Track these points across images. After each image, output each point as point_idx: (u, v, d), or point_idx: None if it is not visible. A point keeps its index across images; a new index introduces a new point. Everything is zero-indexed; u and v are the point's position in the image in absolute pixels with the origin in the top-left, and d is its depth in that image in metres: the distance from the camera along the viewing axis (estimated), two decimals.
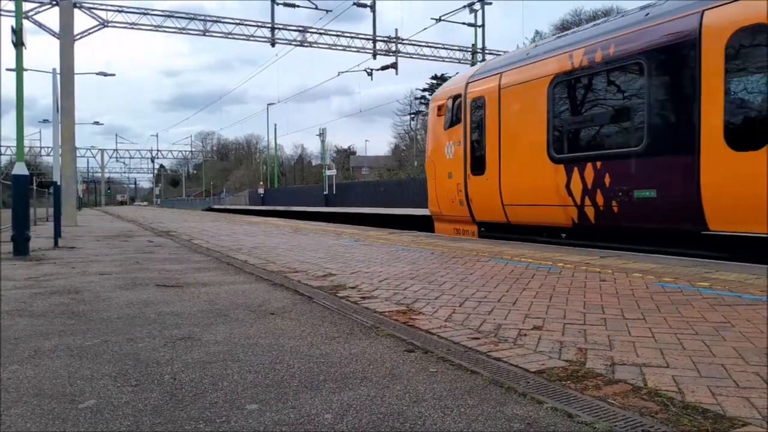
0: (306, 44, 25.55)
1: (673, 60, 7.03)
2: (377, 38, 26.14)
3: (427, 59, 27.85)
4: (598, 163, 7.96)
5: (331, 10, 24.80)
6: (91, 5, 21.02)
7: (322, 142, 54.93)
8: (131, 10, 22.33)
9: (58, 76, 12.89)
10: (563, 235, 8.92)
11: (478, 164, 10.24)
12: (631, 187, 7.52)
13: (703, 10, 6.58)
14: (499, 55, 22.43)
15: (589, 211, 8.13)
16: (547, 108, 8.73)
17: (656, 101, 7.24)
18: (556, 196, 8.58)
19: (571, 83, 8.51)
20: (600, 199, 7.96)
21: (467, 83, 10.72)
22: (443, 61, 28.31)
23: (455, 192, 10.89)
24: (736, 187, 6.31)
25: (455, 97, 10.95)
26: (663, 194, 7.11)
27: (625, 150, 7.59)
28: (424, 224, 9.79)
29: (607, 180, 7.87)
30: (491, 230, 10.35)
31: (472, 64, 25.73)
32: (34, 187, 19.63)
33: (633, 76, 7.59)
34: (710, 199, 6.57)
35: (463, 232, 11.14)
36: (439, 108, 11.52)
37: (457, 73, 11.19)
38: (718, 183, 6.49)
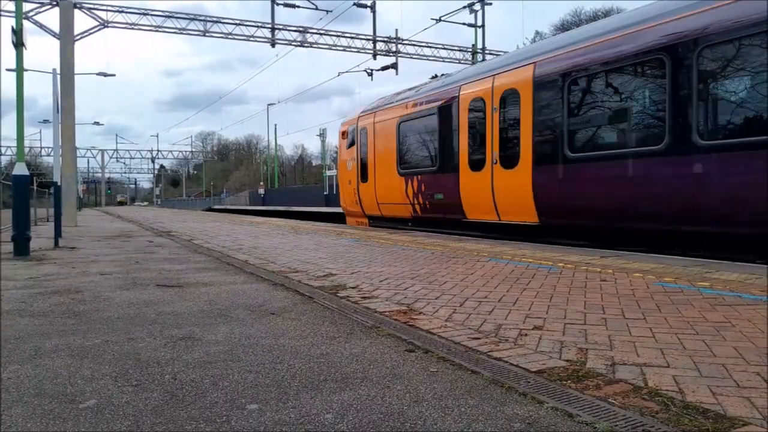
0: (306, 45, 25.55)
1: (446, 114, 11.45)
2: (377, 38, 26.13)
3: (427, 59, 27.84)
4: (418, 177, 12.41)
5: (331, 11, 24.80)
6: (92, 6, 21.02)
7: (323, 142, 54.99)
8: (131, 10, 22.34)
9: (59, 77, 12.90)
10: (409, 223, 13.13)
11: (364, 175, 14.55)
12: (433, 192, 11.95)
13: (460, 86, 11.17)
14: (499, 55, 23.09)
15: (417, 208, 12.53)
16: (396, 139, 13.18)
17: (442, 140, 11.60)
18: (403, 197, 12.93)
19: (407, 124, 12.96)
20: (420, 200, 12.39)
21: (358, 117, 15.11)
22: (443, 61, 28.30)
23: (353, 194, 15.21)
24: (474, 191, 10.60)
25: (351, 127, 15.32)
26: (444, 196, 11.52)
27: (429, 169, 12.08)
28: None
29: (423, 188, 12.26)
30: (375, 221, 14.64)
31: (473, 64, 25.75)
32: (35, 188, 19.64)
33: (432, 122, 11.96)
34: (465, 200, 10.90)
35: (359, 223, 15.44)
36: (343, 133, 15.87)
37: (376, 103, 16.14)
38: (467, 190, 10.85)
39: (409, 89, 13.90)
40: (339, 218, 19.24)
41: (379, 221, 14.34)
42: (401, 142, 13.05)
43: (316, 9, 24.39)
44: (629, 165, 7.71)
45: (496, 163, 10.04)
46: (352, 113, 16.24)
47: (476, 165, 10.52)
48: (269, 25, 24.53)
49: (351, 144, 15.31)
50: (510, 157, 9.73)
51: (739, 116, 6.69)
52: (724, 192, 6.65)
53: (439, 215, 11.83)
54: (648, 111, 7.68)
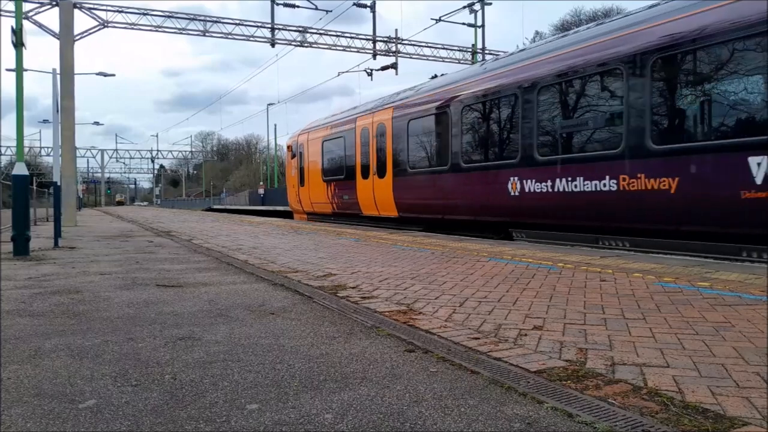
0: (306, 44, 25.54)
1: (348, 137, 15.52)
2: (377, 38, 26.12)
3: (427, 59, 27.82)
4: (334, 183, 16.50)
5: (331, 11, 24.78)
6: (92, 6, 21.01)
7: None
8: (131, 10, 22.32)
9: (58, 77, 12.89)
10: (332, 218, 17.20)
11: (302, 180, 18.84)
12: (342, 194, 15.89)
13: (356, 118, 15.33)
14: (499, 55, 23.29)
15: (335, 206, 16.62)
16: (321, 153, 17.41)
17: (346, 155, 15.60)
18: (326, 198, 17.10)
19: (327, 142, 17.11)
20: (336, 200, 16.46)
21: (298, 135, 19.56)
22: (443, 61, 28.27)
23: (296, 196, 19.66)
24: (365, 194, 14.51)
25: (294, 142, 19.86)
26: (349, 197, 15.50)
27: (339, 177, 16.11)
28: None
29: (337, 191, 16.30)
30: (310, 216, 18.95)
31: (472, 64, 25.75)
32: (34, 188, 19.62)
33: (341, 142, 16.05)
34: (360, 200, 14.85)
35: (301, 218, 19.89)
36: (288, 147, 20.68)
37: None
38: (360, 193, 14.84)
39: (334, 114, 18.42)
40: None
41: (313, 216, 18.91)
42: (324, 156, 17.39)
43: (316, 9, 24.39)
44: (432, 177, 12.17)
45: (375, 174, 14.19)
46: (296, 131, 20.69)
47: (365, 175, 14.75)
48: (269, 25, 24.52)
49: (293, 156, 19.79)
50: (382, 170, 13.92)
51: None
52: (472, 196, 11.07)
53: (348, 211, 16.06)
54: (438, 146, 12.08)
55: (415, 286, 4.79)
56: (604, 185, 8.01)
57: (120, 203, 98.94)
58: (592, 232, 8.66)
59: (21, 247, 7.88)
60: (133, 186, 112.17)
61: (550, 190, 8.89)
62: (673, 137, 7.30)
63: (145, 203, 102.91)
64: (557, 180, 8.78)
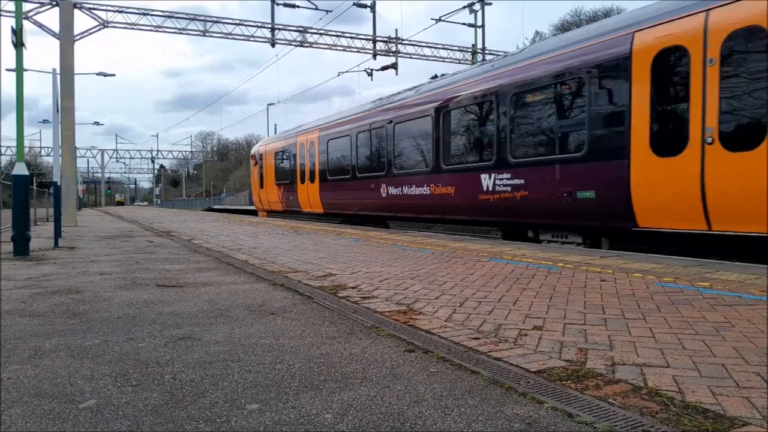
0: (306, 44, 25.54)
1: (292, 150, 19.83)
2: (377, 38, 26.12)
3: (428, 59, 27.81)
4: (284, 186, 20.68)
5: (331, 11, 24.78)
6: (92, 6, 21.00)
7: None
8: (131, 10, 22.31)
9: (58, 77, 12.89)
10: (282, 214, 21.82)
11: (262, 184, 23.23)
12: (289, 195, 20.06)
13: (297, 135, 19.81)
14: (499, 55, 23.50)
15: (283, 205, 20.82)
16: (274, 162, 21.64)
17: (290, 165, 19.84)
18: (278, 199, 21.32)
19: (278, 153, 21.33)
20: (284, 200, 20.69)
21: (260, 146, 24.37)
22: (443, 61, 28.26)
23: (257, 196, 24.22)
24: (303, 195, 18.85)
25: (255, 152, 24.63)
26: (292, 198, 19.67)
27: (287, 182, 20.30)
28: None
29: (286, 193, 20.47)
30: (269, 213, 23.39)
31: (472, 64, 25.75)
32: (34, 188, 19.61)
33: (287, 154, 20.30)
34: (299, 200, 19.17)
35: (262, 214, 24.30)
36: (252, 156, 25.42)
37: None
38: (300, 194, 19.18)
39: (286, 131, 22.85)
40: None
41: (270, 212, 23.54)
42: (276, 165, 21.88)
43: (316, 9, 24.38)
44: (342, 183, 16.21)
45: (309, 180, 18.59)
46: (258, 144, 26.11)
47: (302, 180, 19.13)
48: (269, 25, 24.52)
49: (255, 164, 24.47)
50: (312, 177, 18.36)
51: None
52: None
53: (292, 209, 20.53)
54: (345, 161, 16.20)
55: (415, 286, 4.79)
56: (424, 191, 12.50)
57: (119, 203, 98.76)
58: (426, 221, 13.34)
59: (21, 247, 7.88)
60: (133, 186, 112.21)
61: (401, 193, 13.44)
62: (451, 162, 11.69)
63: (145, 203, 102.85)
64: (403, 187, 13.33)
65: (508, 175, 9.94)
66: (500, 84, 10.31)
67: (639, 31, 7.74)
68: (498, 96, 10.23)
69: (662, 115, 7.48)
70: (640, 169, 7.64)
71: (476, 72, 11.47)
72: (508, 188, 9.92)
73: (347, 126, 16.13)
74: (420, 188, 12.53)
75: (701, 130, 6.90)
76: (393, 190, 13.63)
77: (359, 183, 15.23)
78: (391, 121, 13.90)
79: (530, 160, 9.51)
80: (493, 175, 10.27)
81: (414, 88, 14.02)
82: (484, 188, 10.44)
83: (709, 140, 6.80)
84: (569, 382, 2.36)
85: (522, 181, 9.64)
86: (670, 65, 7.35)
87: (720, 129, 6.73)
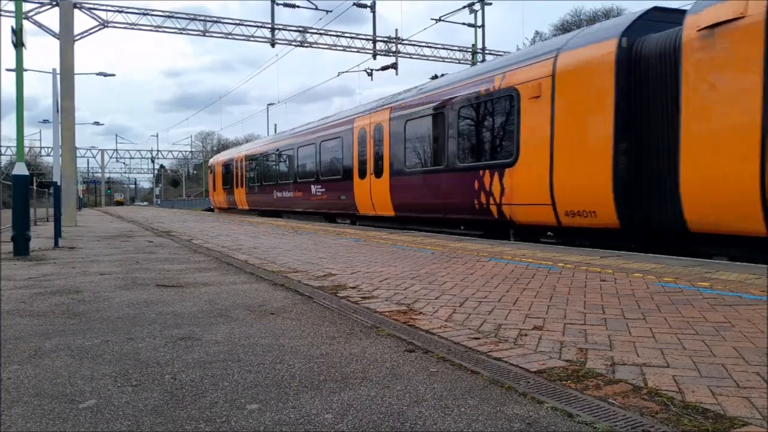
0: (306, 44, 25.54)
1: (229, 166, 28.91)
2: (377, 38, 26.13)
3: (428, 59, 27.84)
4: (226, 190, 29.47)
5: (331, 11, 24.79)
6: (92, 6, 21.01)
7: None
8: (131, 10, 22.32)
9: (58, 77, 12.89)
10: (227, 210, 30.15)
11: (214, 188, 32.07)
12: (230, 196, 28.92)
13: (233, 154, 29.93)
14: (500, 55, 23.63)
15: (228, 204, 29.35)
16: (222, 172, 30.30)
17: (231, 175, 28.57)
18: (224, 199, 30.08)
19: (224, 166, 29.81)
20: (228, 200, 29.40)
21: (213, 159, 34.60)
22: (443, 61, 28.28)
23: (212, 197, 33.23)
24: (240, 197, 27.47)
25: (210, 163, 34.44)
26: (232, 199, 28.49)
27: (229, 187, 28.79)
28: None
29: (228, 195, 29.24)
30: (220, 210, 31.24)
31: (473, 64, 25.74)
32: (34, 188, 19.61)
33: (231, 168, 28.46)
34: (236, 200, 27.78)
35: (216, 211, 32.40)
36: (208, 166, 35.18)
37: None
38: (237, 196, 28.10)
39: (233, 148, 32.40)
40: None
41: (221, 209, 31.56)
42: (222, 174, 29.98)
43: (316, 9, 24.38)
44: (263, 187, 23.79)
45: (241, 186, 26.38)
46: (212, 158, 36.31)
47: (237, 186, 26.77)
48: (269, 25, 24.53)
49: (210, 172, 33.47)
50: (240, 184, 26.32)
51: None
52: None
53: (232, 207, 28.33)
54: (268, 172, 23.82)
55: (415, 286, 4.79)
56: (290, 194, 20.52)
57: (119, 203, 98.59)
58: (290, 213, 21.43)
59: (21, 247, 7.88)
60: (133, 186, 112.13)
61: (283, 196, 21.27)
62: (299, 178, 19.49)
63: (145, 203, 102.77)
64: (284, 192, 21.17)
65: (320, 186, 18.06)
66: (290, 143, 20.91)
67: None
68: (296, 149, 20.17)
69: (365, 160, 14.99)
70: (357, 184, 15.41)
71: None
72: (321, 193, 18.02)
73: (257, 150, 25.00)
74: (289, 192, 20.78)
75: (372, 169, 14.54)
76: (278, 194, 21.91)
77: (264, 188, 23.76)
78: (277, 149, 22.38)
79: (329, 178, 17.44)
80: (315, 186, 18.40)
81: (291, 130, 22.68)
82: (313, 193, 18.59)
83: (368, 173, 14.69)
84: (569, 382, 2.36)
85: (325, 189, 17.75)
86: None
87: (371, 169, 14.57)
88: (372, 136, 14.47)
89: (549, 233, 9.75)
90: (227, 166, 29.10)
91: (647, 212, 7.93)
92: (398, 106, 13.42)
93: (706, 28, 6.82)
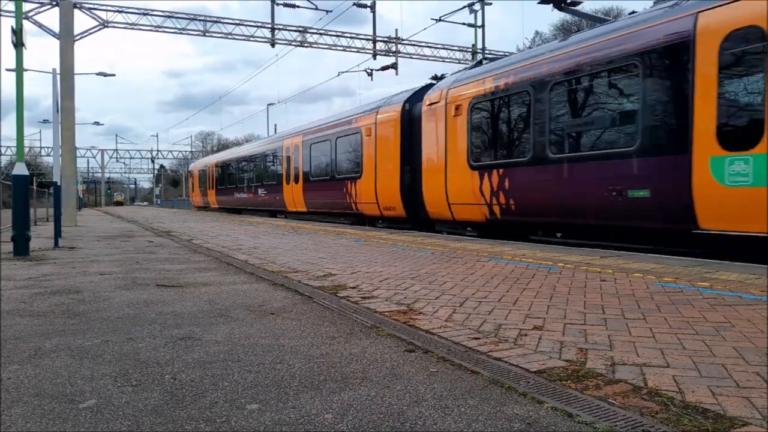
0: (306, 44, 25.53)
1: (206, 171, 35.78)
2: (377, 38, 26.12)
3: (428, 59, 27.81)
4: (201, 191, 36.50)
5: (331, 11, 24.79)
6: (92, 6, 21.00)
7: None
8: (131, 10, 22.31)
9: (58, 77, 12.89)
10: (204, 208, 36.22)
11: (193, 189, 39.98)
12: (205, 197, 35.58)
13: (206, 163, 37.15)
14: (499, 56, 23.74)
15: (204, 203, 35.81)
16: (198, 177, 37.35)
17: (206, 180, 35.20)
18: (200, 198, 36.73)
19: (201, 172, 36.46)
20: (204, 200, 35.69)
21: (191, 166, 43.03)
22: (443, 61, 28.26)
23: (191, 198, 41.07)
24: (212, 197, 34.67)
25: (190, 168, 43.50)
26: (206, 199, 35.44)
27: (204, 189, 35.97)
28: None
29: (203, 196, 35.90)
30: (198, 208, 37.85)
31: (472, 64, 25.71)
32: (35, 188, 19.61)
33: (206, 173, 35.33)
34: (209, 200, 34.77)
35: (196, 208, 38.97)
36: (189, 172, 45.43)
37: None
38: (209, 197, 35.12)
39: (205, 159, 38.71)
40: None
41: (199, 208, 37.08)
42: (199, 179, 36.28)
43: (316, 9, 24.37)
44: (227, 190, 30.18)
45: (212, 188, 32.66)
46: (191, 165, 44.26)
47: (210, 188, 33.37)
48: (269, 25, 24.52)
49: (190, 176, 40.67)
50: (212, 186, 32.91)
51: None
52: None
53: (207, 205, 34.32)
54: (229, 178, 30.37)
55: (415, 286, 4.79)
56: (247, 196, 26.19)
57: (119, 203, 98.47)
58: (246, 210, 27.66)
59: (21, 247, 7.88)
60: (133, 186, 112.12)
61: (244, 197, 26.44)
62: (259, 184, 24.46)
63: (145, 203, 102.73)
64: (243, 194, 26.76)
65: (264, 189, 23.25)
66: (245, 155, 27.01)
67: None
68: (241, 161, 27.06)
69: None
70: (285, 189, 20.83)
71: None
72: (265, 195, 23.19)
73: (224, 160, 30.83)
74: (245, 194, 26.19)
75: (293, 178, 19.97)
76: (238, 195, 27.42)
77: (228, 191, 29.35)
78: (237, 160, 28.04)
79: (269, 183, 22.74)
80: (261, 189, 23.64)
81: (248, 143, 30.53)
82: (259, 194, 23.87)
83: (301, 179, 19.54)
84: (569, 382, 2.36)
85: (267, 192, 22.95)
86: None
87: (292, 177, 20.23)
88: (293, 153, 20.12)
89: (379, 222, 15.24)
90: (203, 172, 35.87)
91: (415, 208, 13.03)
92: (308, 132, 19.08)
93: (429, 104, 12.18)
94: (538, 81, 9.15)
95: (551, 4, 10.53)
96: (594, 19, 11.97)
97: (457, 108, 11.08)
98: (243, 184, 26.56)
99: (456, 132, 11.11)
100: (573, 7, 10.80)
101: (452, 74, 12.57)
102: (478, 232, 11.23)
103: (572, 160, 8.54)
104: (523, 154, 9.47)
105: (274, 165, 22.31)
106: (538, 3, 10.75)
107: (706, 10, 6.79)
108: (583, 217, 8.41)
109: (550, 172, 8.87)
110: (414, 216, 13.15)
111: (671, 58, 7.21)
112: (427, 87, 13.29)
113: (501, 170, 9.90)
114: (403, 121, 13.24)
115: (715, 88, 6.63)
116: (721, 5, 6.64)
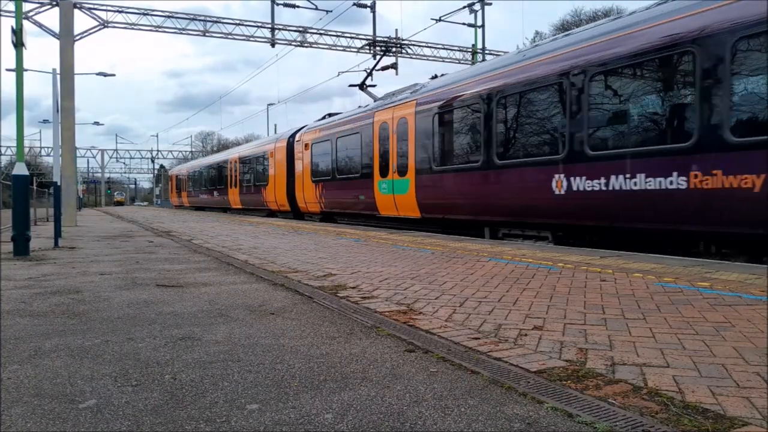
0: (306, 44, 25.54)
1: (180, 177, 45.37)
2: (377, 38, 26.12)
3: (428, 59, 27.83)
4: (185, 191, 41.88)
5: (331, 11, 24.82)
6: (92, 5, 21.01)
7: None
8: (131, 10, 22.32)
9: (58, 77, 12.89)
10: (186, 207, 42.43)
11: (172, 190, 48.38)
12: (180, 198, 44.15)
13: (184, 167, 46.85)
14: (499, 55, 23.75)
15: (185, 203, 41.91)
16: (178, 179, 44.66)
17: (186, 183, 41.75)
18: (177, 200, 45.33)
19: (180, 176, 44.10)
20: (185, 200, 41.68)
21: (171, 171, 53.96)
22: (443, 61, 28.26)
23: (171, 198, 49.98)
24: (194, 198, 40.27)
25: (171, 173, 51.99)
26: (196, 199, 38.18)
27: (179, 191, 44.68)
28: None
29: (179, 198, 44.19)
30: (177, 207, 45.82)
31: (473, 64, 25.74)
32: (35, 188, 19.61)
33: (183, 177, 43.17)
34: (183, 201, 43.34)
35: (176, 207, 46.54)
36: (170, 176, 51.42)
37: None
38: (190, 198, 41.27)
39: (181, 165, 49.89)
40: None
41: (177, 206, 44.60)
42: (180, 181, 43.26)
43: (316, 9, 24.40)
44: (201, 193, 37.11)
45: (186, 191, 41.29)
46: (171, 169, 56.35)
47: (184, 190, 41.63)
48: (269, 25, 24.53)
49: (170, 180, 50.16)
50: (186, 189, 41.26)
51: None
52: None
53: (183, 205, 42.83)
54: (208, 180, 36.80)
55: (415, 286, 4.79)
56: (219, 197, 31.78)
57: (119, 203, 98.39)
58: (220, 209, 32.79)
59: (21, 247, 7.89)
60: (133, 186, 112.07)
61: (220, 198, 31.59)
62: (242, 186, 27.94)
63: (145, 203, 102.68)
64: (219, 195, 31.75)
65: (218, 192, 30.69)
66: (205, 165, 36.44)
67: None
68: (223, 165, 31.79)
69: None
70: (230, 191, 29.10)
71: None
72: (217, 195, 30.94)
73: (194, 167, 37.89)
74: (206, 195, 33.29)
75: (237, 183, 28.38)
76: (202, 196, 33.91)
77: (195, 193, 36.68)
78: (200, 168, 35.54)
79: (220, 187, 30.63)
80: (215, 191, 31.35)
81: (212, 155, 40.27)
82: (215, 196, 31.39)
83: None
84: (569, 382, 2.36)
85: (219, 194, 30.71)
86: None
87: (237, 183, 28.55)
88: (233, 166, 27.91)
89: (278, 214, 22.70)
90: (178, 176, 44.25)
91: (294, 205, 20.12)
92: (242, 152, 26.95)
93: (297, 140, 19.65)
94: (334, 136, 16.72)
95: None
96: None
97: (306, 145, 18.60)
98: (204, 187, 35.18)
99: (304, 159, 18.67)
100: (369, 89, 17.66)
101: (313, 122, 19.75)
102: (319, 218, 18.93)
103: (341, 179, 16.30)
104: (329, 174, 16.97)
105: (221, 175, 30.59)
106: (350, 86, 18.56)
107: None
108: (351, 209, 16.15)
109: (336, 185, 16.57)
110: (295, 210, 20.42)
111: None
112: (301, 128, 20.29)
113: (320, 184, 17.50)
114: (289, 149, 20.36)
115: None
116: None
